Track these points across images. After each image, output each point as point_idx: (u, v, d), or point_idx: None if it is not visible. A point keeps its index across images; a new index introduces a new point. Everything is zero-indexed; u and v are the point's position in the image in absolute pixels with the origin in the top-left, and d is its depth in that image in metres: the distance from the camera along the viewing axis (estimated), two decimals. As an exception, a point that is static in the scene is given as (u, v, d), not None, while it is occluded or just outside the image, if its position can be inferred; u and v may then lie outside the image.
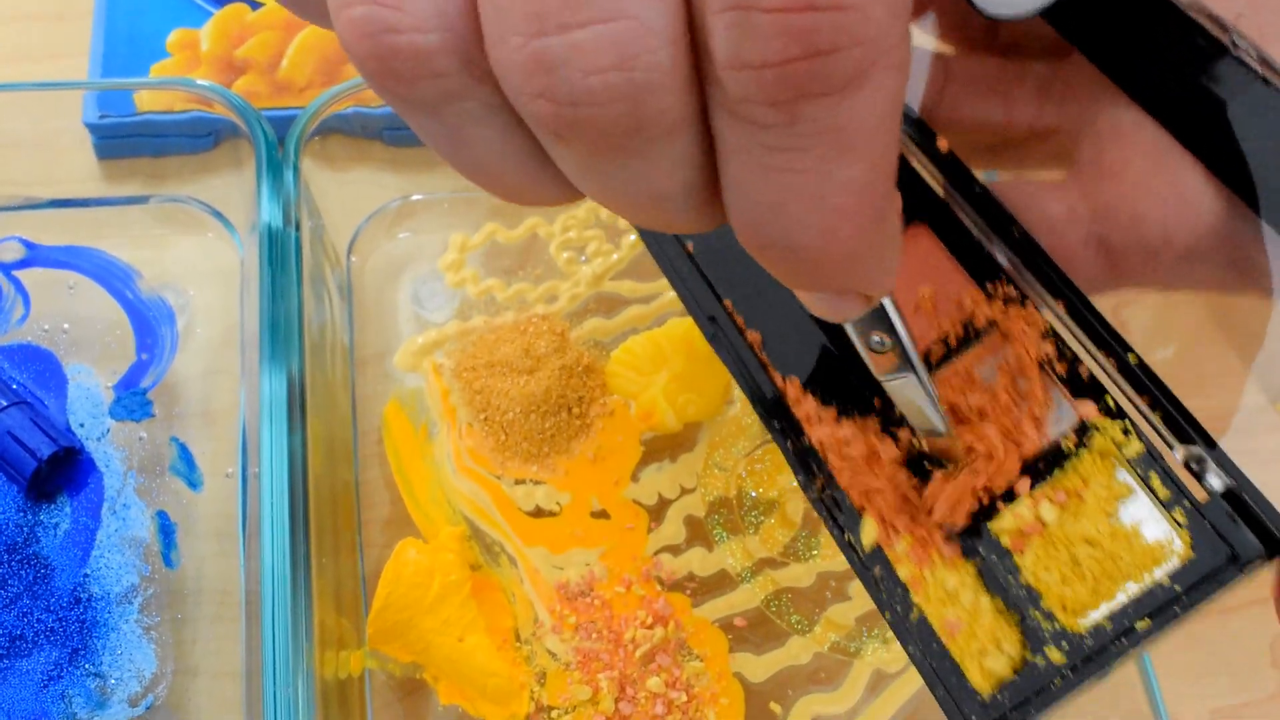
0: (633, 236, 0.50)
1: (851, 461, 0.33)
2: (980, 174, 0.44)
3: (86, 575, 0.42)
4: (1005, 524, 0.31)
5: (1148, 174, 0.32)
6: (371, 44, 0.21)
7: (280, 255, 0.43)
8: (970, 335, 0.33)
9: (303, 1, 0.23)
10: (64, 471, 0.44)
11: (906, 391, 0.30)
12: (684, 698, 0.41)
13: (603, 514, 0.45)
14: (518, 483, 0.45)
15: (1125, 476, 0.31)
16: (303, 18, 0.24)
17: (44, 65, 0.56)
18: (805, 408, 0.34)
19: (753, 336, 0.36)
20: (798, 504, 0.46)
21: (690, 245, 0.37)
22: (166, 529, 0.44)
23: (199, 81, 0.47)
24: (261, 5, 0.55)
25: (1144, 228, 0.32)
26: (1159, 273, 0.33)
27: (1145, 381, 0.31)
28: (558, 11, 0.19)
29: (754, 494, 0.46)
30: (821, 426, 0.34)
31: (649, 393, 0.46)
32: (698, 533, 0.45)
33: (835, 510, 0.33)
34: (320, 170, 0.48)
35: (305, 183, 0.46)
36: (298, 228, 0.44)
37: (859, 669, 0.43)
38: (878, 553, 0.32)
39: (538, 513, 0.45)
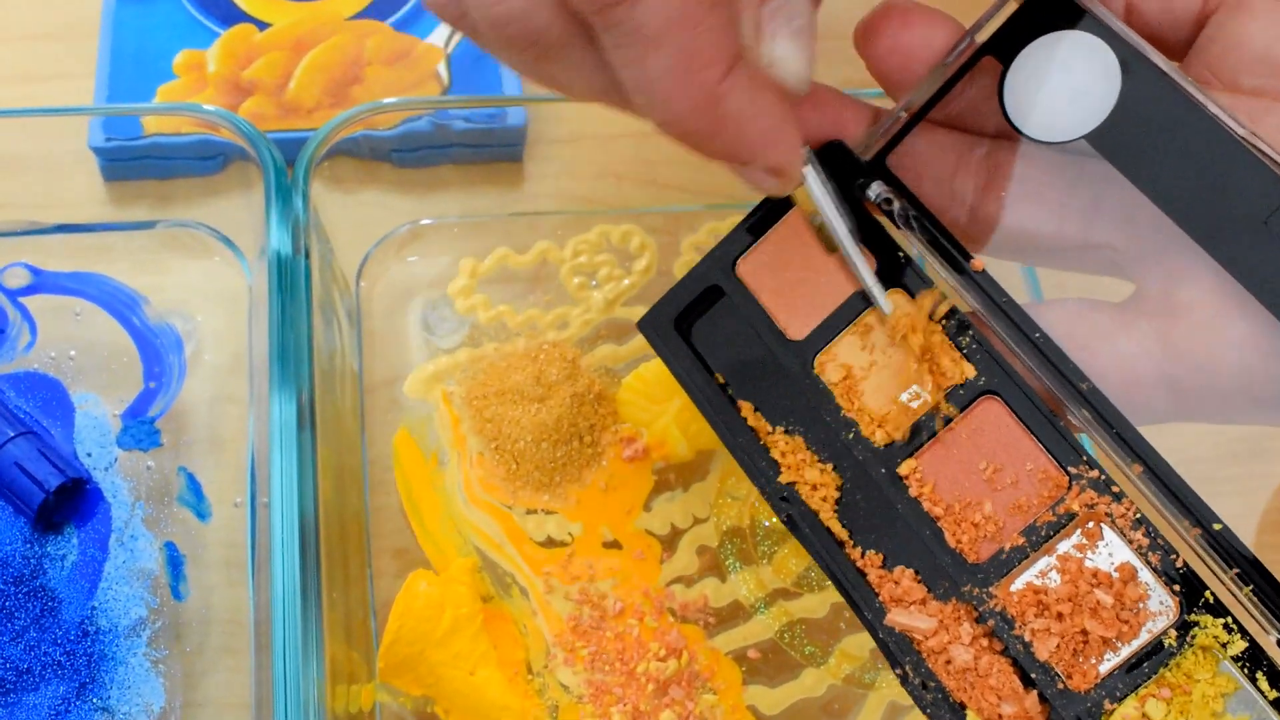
0: (642, 261, 0.50)
1: (946, 653, 0.32)
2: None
3: (94, 608, 0.42)
4: None
5: (1222, 313, 0.31)
6: None
7: (289, 281, 0.43)
8: (1061, 521, 0.33)
9: None
10: (71, 502, 0.44)
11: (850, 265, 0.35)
12: (697, 731, 0.41)
13: (615, 544, 0.45)
14: (529, 512, 0.45)
15: (1231, 670, 0.30)
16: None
17: (50, 85, 0.55)
18: (889, 590, 0.34)
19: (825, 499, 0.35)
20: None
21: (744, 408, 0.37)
22: (175, 560, 0.44)
23: (206, 107, 0.46)
24: (268, 26, 0.55)
25: (1218, 373, 0.31)
26: (1231, 414, 0.32)
27: (1232, 556, 0.31)
28: None
29: (767, 523, 0.45)
30: (910, 614, 0.33)
31: (661, 421, 0.46)
32: (711, 563, 0.45)
33: (938, 708, 0.32)
34: (328, 193, 0.47)
35: (314, 207, 0.45)
36: (307, 254, 0.43)
37: (873, 701, 0.43)
38: None
39: (549, 543, 0.45)
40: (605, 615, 0.43)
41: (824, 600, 0.44)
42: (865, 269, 0.35)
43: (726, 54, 0.28)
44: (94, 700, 0.41)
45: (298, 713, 0.37)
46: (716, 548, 0.45)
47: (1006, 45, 0.34)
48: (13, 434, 0.43)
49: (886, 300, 0.35)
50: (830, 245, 0.36)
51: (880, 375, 0.36)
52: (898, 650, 0.33)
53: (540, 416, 0.45)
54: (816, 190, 0.34)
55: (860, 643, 0.44)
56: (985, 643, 0.32)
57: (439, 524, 0.45)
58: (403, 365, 0.48)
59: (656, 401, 0.46)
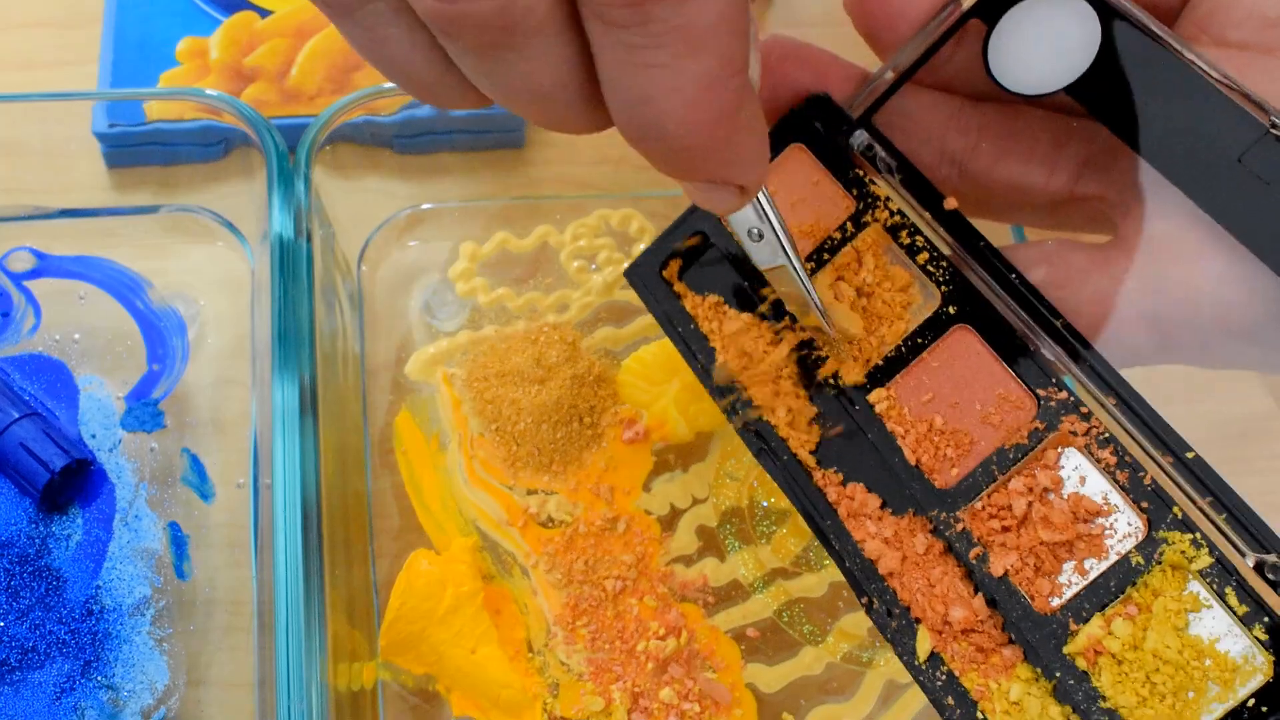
0: (642, 245, 0.50)
1: (902, 564, 0.33)
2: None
3: (99, 587, 0.42)
4: (1078, 644, 0.31)
5: (1200, 250, 0.32)
6: None
7: (292, 265, 0.43)
8: (1029, 444, 0.33)
9: None
10: (75, 483, 0.44)
11: (785, 280, 0.34)
12: (697, 709, 0.41)
13: (614, 524, 0.45)
14: (530, 493, 0.45)
15: (1199, 589, 0.30)
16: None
17: (53, 72, 0.56)
18: (846, 506, 0.35)
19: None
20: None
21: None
22: (178, 540, 0.44)
23: (209, 91, 0.47)
24: (270, 13, 0.55)
25: (1197, 306, 0.32)
26: (1212, 351, 0.33)
27: (1206, 484, 0.31)
28: None
29: (765, 504, 0.46)
30: (867, 522, 0.34)
31: (660, 402, 0.46)
32: (710, 543, 0.45)
33: (889, 619, 0.33)
34: (330, 179, 0.48)
35: (316, 192, 0.45)
36: (309, 238, 0.44)
37: (871, 679, 0.43)
38: (939, 662, 0.32)
39: (550, 523, 0.45)
40: (605, 594, 0.43)
41: (822, 580, 0.44)
42: (810, 286, 0.35)
43: (745, 59, 0.25)
44: (99, 678, 0.41)
45: (300, 690, 0.37)
46: (715, 528, 0.45)
47: (992, 7, 0.35)
48: (18, 415, 0.43)
49: (828, 322, 0.36)
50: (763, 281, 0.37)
51: (855, 311, 0.37)
52: (863, 579, 0.34)
53: (540, 398, 0.45)
54: (769, 208, 0.33)
55: (858, 621, 0.44)
56: (940, 554, 0.33)
57: (440, 504, 0.45)
58: (404, 348, 0.48)
59: (656, 383, 0.47)
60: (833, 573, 0.44)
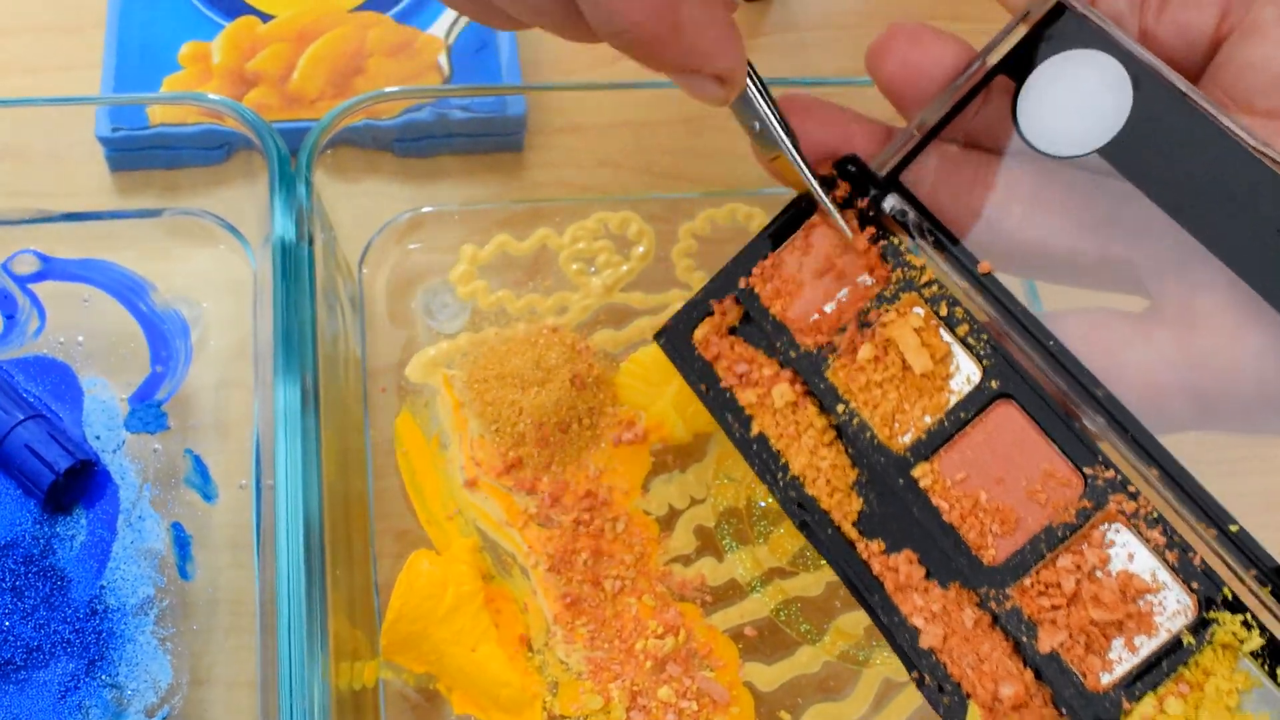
0: (640, 248, 0.51)
1: (951, 639, 0.33)
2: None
3: (103, 587, 0.43)
4: None
5: (1240, 322, 0.31)
6: None
7: (293, 268, 0.43)
8: (1077, 522, 0.33)
9: None
10: (80, 484, 0.44)
11: (790, 170, 0.36)
12: (695, 707, 0.42)
13: (613, 524, 0.45)
14: (529, 494, 0.46)
15: (1250, 668, 0.30)
16: None
17: (56, 77, 0.56)
18: (892, 579, 0.34)
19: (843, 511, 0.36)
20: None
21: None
22: (181, 541, 0.44)
23: (211, 96, 0.47)
24: (272, 18, 0.56)
25: (1239, 381, 0.31)
26: (1255, 422, 0.32)
27: (1251, 556, 0.30)
28: None
29: (763, 504, 0.46)
30: (914, 595, 0.34)
31: (659, 404, 0.47)
32: (708, 543, 0.46)
33: (940, 695, 0.32)
34: (331, 182, 0.48)
35: (317, 195, 0.46)
36: (310, 242, 0.44)
37: (868, 678, 0.44)
38: None
39: (549, 523, 0.45)
40: (604, 594, 0.44)
41: (819, 579, 0.45)
42: (811, 175, 0.36)
43: None
44: (103, 677, 0.42)
45: (303, 689, 0.37)
46: (713, 528, 0.46)
47: (1019, 65, 0.34)
48: (23, 417, 0.43)
49: (840, 216, 0.37)
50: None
51: (893, 382, 0.36)
52: (914, 653, 0.33)
53: (540, 399, 0.45)
54: (756, 96, 0.35)
55: (855, 621, 0.44)
56: (988, 628, 0.33)
57: (441, 505, 0.45)
58: (404, 350, 0.49)
59: (654, 385, 0.47)
60: (829, 573, 0.45)
